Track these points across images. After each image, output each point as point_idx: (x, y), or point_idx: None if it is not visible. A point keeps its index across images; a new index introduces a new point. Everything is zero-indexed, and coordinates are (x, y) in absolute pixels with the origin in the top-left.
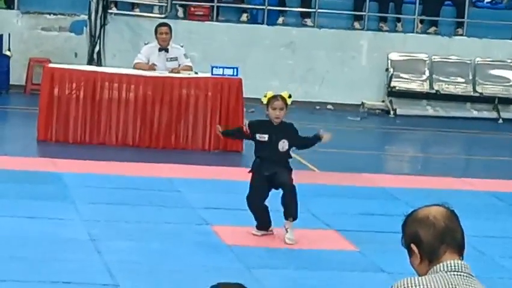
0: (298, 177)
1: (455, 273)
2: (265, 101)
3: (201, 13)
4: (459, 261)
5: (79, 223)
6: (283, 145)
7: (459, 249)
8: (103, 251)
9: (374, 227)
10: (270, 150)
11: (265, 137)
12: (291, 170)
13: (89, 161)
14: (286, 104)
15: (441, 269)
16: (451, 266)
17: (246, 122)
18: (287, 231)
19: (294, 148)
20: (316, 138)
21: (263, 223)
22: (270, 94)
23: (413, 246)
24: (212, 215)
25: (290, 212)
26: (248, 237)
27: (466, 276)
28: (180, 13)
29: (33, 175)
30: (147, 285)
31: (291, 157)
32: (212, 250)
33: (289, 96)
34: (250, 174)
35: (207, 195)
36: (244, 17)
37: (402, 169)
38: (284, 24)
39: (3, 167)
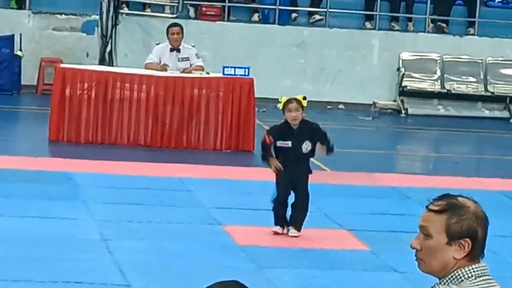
0: (310, 177)
1: (488, 278)
2: (280, 106)
3: (212, 13)
4: (485, 265)
5: (90, 223)
6: (306, 146)
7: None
8: (115, 251)
9: (385, 227)
10: (293, 154)
11: (289, 144)
12: (311, 172)
13: (101, 161)
14: (302, 106)
15: (478, 271)
16: (484, 269)
17: (265, 133)
18: (289, 230)
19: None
20: (330, 149)
21: (283, 220)
22: (284, 98)
23: (468, 240)
24: (223, 214)
25: (296, 223)
26: (260, 237)
27: (491, 278)
28: (191, 13)
29: (45, 175)
30: (159, 285)
31: (314, 155)
32: (223, 250)
33: (304, 98)
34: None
35: (219, 195)
36: (255, 16)
37: (414, 168)
38: (296, 22)
39: (15, 167)
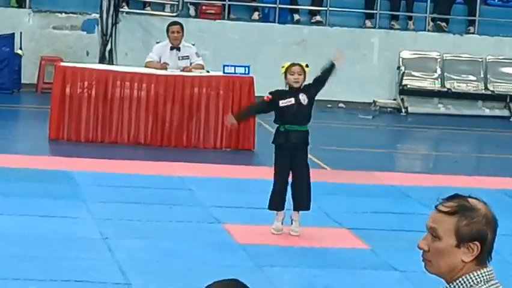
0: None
1: (495, 282)
2: (283, 70)
3: (213, 11)
4: (491, 270)
5: (90, 222)
6: (303, 98)
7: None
8: (115, 250)
9: (385, 225)
10: (296, 111)
11: (292, 100)
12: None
13: (101, 160)
14: (304, 71)
15: (486, 275)
16: (491, 273)
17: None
18: (292, 223)
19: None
20: (331, 65)
21: (279, 207)
22: (287, 64)
23: (477, 243)
24: (224, 213)
25: (302, 202)
26: (260, 235)
27: (497, 282)
28: (192, 12)
29: (45, 174)
30: (159, 284)
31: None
32: (224, 248)
33: (307, 66)
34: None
35: (219, 194)
36: (255, 15)
37: (414, 167)
38: (296, 22)
39: (15, 166)
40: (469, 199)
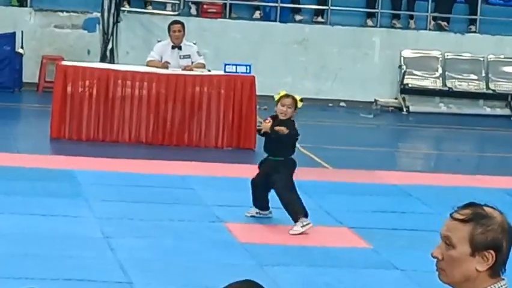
0: (311, 175)
1: None
2: (276, 98)
3: (214, 10)
4: (506, 282)
5: (92, 220)
6: (282, 128)
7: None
8: (116, 249)
9: (387, 224)
10: (273, 141)
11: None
12: (291, 165)
13: (103, 159)
14: (296, 105)
15: None
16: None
17: (268, 118)
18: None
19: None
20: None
21: (256, 203)
22: (283, 93)
23: (492, 252)
24: (225, 212)
25: (290, 214)
26: (261, 234)
27: None
28: (193, 10)
29: (47, 173)
30: (160, 283)
31: (291, 148)
32: (225, 247)
33: (301, 100)
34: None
35: (220, 193)
36: (257, 14)
37: (415, 166)
38: (298, 21)
39: (16, 165)
40: (485, 207)
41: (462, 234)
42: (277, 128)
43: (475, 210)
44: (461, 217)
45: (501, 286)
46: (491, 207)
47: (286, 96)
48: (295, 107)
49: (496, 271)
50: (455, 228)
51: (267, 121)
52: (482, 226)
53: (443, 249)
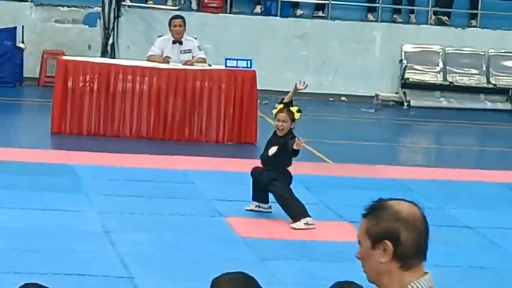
0: (312, 169)
1: None
2: (274, 112)
3: (215, 5)
4: (431, 275)
5: (92, 215)
6: (271, 150)
7: (426, 256)
8: (117, 243)
9: None
10: (265, 158)
11: (268, 149)
12: (286, 176)
13: (103, 153)
14: (293, 117)
15: (425, 286)
16: (430, 282)
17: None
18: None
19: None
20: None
21: (255, 197)
22: (280, 107)
23: (387, 242)
24: (226, 206)
25: (289, 215)
26: (262, 229)
27: None
28: (194, 5)
29: (47, 167)
30: (161, 277)
31: (286, 162)
32: (226, 242)
33: (298, 111)
34: None
35: (221, 187)
36: (257, 8)
37: (416, 160)
38: (299, 15)
39: (17, 159)
40: (389, 201)
41: (362, 230)
42: (296, 146)
43: (373, 204)
44: (363, 213)
45: (423, 282)
46: (400, 200)
47: (281, 110)
48: (293, 119)
49: (405, 263)
50: (360, 226)
51: (302, 141)
52: (375, 218)
53: (358, 250)
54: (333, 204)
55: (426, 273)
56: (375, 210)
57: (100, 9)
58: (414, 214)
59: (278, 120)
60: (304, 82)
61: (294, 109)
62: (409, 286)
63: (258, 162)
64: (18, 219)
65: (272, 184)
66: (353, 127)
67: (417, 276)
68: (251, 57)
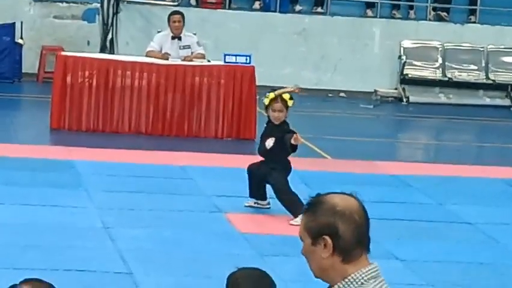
0: (311, 165)
1: (377, 280)
2: (266, 102)
3: (214, 1)
4: (376, 265)
5: (92, 211)
6: (268, 143)
7: (369, 247)
8: (117, 239)
9: (386, 215)
10: (263, 151)
11: (264, 142)
12: (286, 168)
13: (102, 149)
14: (286, 106)
15: (366, 276)
16: (372, 272)
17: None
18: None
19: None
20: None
21: (252, 194)
22: (271, 96)
23: (326, 237)
24: (225, 202)
25: (290, 211)
26: (261, 224)
27: (383, 280)
28: (193, 1)
29: (47, 163)
30: (160, 273)
31: (285, 154)
32: (225, 237)
33: (291, 98)
34: None
35: (220, 183)
36: (256, 4)
37: (415, 156)
38: (298, 11)
39: (16, 155)
40: (327, 195)
41: (302, 227)
42: (294, 141)
43: (311, 200)
44: (302, 210)
45: (365, 272)
46: (338, 194)
47: (275, 100)
48: (287, 107)
49: (346, 255)
50: (301, 224)
51: (299, 138)
52: (313, 214)
53: (302, 247)
54: None
55: (370, 264)
56: (312, 206)
57: (98, 5)
58: (351, 207)
59: (274, 111)
60: (299, 87)
61: (286, 97)
62: (349, 277)
63: (257, 158)
64: (17, 215)
65: (270, 174)
66: (352, 123)
67: (358, 267)
68: (250, 53)
